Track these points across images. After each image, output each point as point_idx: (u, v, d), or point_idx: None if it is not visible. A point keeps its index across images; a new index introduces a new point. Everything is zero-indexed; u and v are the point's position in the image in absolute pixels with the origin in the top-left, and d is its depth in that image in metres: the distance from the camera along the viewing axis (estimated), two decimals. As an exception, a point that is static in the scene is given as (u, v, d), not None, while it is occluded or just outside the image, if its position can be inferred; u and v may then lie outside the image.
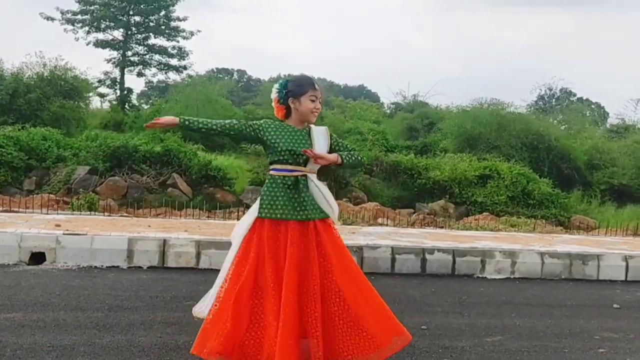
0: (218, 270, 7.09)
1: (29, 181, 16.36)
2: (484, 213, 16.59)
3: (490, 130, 22.47)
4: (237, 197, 17.94)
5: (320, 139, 3.92)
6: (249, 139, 3.97)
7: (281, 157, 3.83)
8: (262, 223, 3.80)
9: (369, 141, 21.57)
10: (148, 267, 7.09)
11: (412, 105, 36.96)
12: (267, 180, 3.90)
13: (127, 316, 5.05)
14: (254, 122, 3.99)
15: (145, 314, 5.14)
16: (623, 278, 8.12)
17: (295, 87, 3.87)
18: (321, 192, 3.84)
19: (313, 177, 3.87)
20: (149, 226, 8.43)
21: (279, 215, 3.77)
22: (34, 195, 14.35)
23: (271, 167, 3.91)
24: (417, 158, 20.12)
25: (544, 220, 15.97)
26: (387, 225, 12.14)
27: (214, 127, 3.92)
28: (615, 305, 6.55)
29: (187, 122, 3.89)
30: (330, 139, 3.99)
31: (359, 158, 4.05)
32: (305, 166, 3.85)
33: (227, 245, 7.21)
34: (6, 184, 15.79)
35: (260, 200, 3.82)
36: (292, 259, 3.68)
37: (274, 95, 3.94)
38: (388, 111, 39.81)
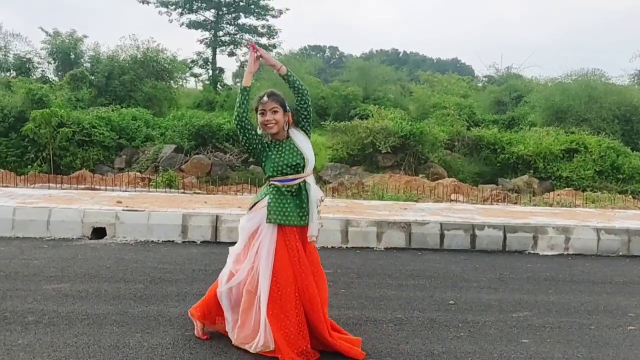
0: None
1: (120, 160, 17.26)
2: (569, 189, 16.09)
3: (580, 102, 21.64)
4: (317, 174, 18.20)
5: (303, 143, 4.08)
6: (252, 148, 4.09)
7: (283, 171, 4.00)
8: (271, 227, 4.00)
9: (451, 116, 21.22)
10: (202, 242, 7.44)
11: (505, 79, 35.99)
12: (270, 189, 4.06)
13: (166, 288, 5.37)
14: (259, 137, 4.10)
15: (182, 287, 5.44)
16: (688, 256, 7.78)
17: (254, 105, 4.06)
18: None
19: (312, 182, 4.09)
20: (206, 202, 8.78)
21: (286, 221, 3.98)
22: (123, 174, 15.15)
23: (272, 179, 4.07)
24: (501, 133, 19.69)
25: (632, 196, 15.30)
26: (456, 201, 12.03)
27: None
28: (666, 284, 6.33)
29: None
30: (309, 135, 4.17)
31: (304, 89, 4.08)
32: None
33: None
34: (99, 163, 16.74)
35: (268, 207, 3.98)
36: (304, 261, 3.98)
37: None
38: (480, 85, 38.93)
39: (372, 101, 30.64)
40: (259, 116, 4.02)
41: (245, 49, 41.73)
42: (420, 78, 37.93)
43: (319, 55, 62.65)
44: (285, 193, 3.99)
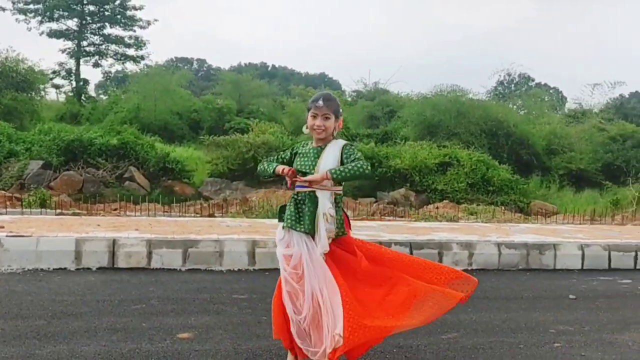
0: (169, 270, 6.95)
1: (-20, 177, 15.91)
2: (445, 201, 16.63)
3: (449, 117, 22.58)
4: (196, 190, 17.72)
5: (329, 155, 3.83)
6: None
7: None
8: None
9: (328, 131, 21.40)
10: (97, 268, 6.87)
11: (373, 93, 37.00)
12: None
13: (71, 323, 4.84)
14: (282, 153, 4.07)
15: (90, 321, 4.94)
16: (579, 267, 8.16)
17: (308, 104, 3.91)
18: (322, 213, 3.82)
19: (322, 195, 3.82)
20: (99, 225, 8.18)
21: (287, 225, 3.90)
22: (-16, 193, 13.93)
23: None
24: (377, 147, 20.10)
25: (503, 207, 16.06)
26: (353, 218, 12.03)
27: None
28: (571, 296, 6.55)
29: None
30: (342, 153, 3.85)
31: (359, 168, 3.75)
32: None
33: (178, 243, 7.08)
34: (-44, 181, 15.35)
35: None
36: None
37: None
38: (349, 99, 39.73)
39: (246, 114, 30.49)
40: (309, 117, 3.82)
41: (111, 60, 40.30)
42: (293, 92, 38.17)
43: (186, 67, 61.48)
44: (299, 199, 3.87)
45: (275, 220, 4.14)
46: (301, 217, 3.82)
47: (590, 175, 22.44)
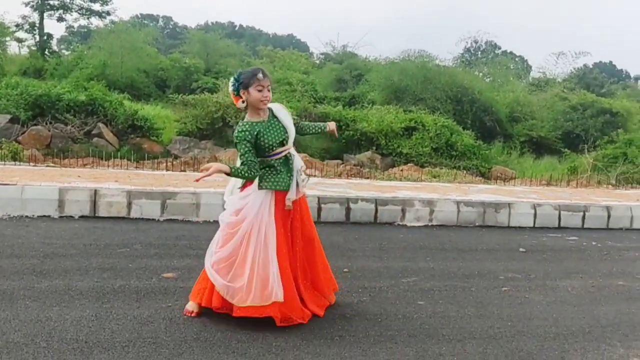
0: (149, 220, 7.33)
1: (-54, 131, 15.89)
2: (409, 164, 17.13)
3: (416, 82, 22.93)
4: (164, 148, 17.91)
5: (285, 116, 4.36)
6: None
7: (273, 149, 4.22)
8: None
9: (297, 92, 21.71)
10: (80, 217, 7.23)
11: (341, 56, 37.11)
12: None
13: (63, 262, 5.24)
14: (248, 143, 4.13)
15: (80, 261, 5.34)
16: (531, 225, 8.76)
17: (244, 79, 4.16)
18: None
19: (296, 155, 4.47)
20: (79, 176, 8.50)
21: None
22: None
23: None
24: (345, 110, 20.41)
25: (465, 172, 16.62)
26: (315, 176, 12.47)
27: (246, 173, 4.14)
28: (521, 249, 7.13)
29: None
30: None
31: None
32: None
33: (157, 195, 7.44)
34: None
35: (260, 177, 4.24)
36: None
37: (230, 89, 4.24)
38: (317, 62, 39.87)
39: (214, 74, 30.47)
40: (254, 92, 4.11)
41: (75, 14, 39.63)
42: (261, 53, 38.17)
43: (152, 24, 60.65)
44: (275, 165, 4.23)
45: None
46: (279, 179, 4.24)
47: (550, 142, 23.09)
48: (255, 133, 4.13)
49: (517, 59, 50.61)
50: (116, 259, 5.47)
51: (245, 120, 4.22)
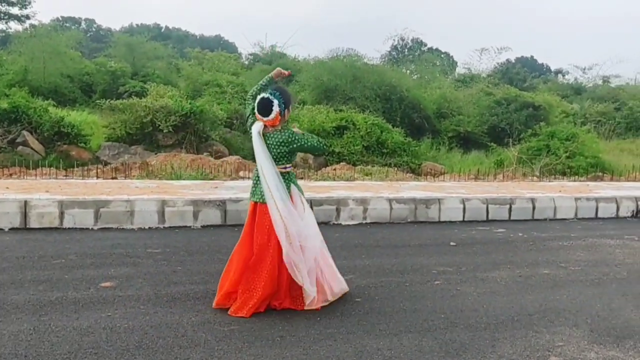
0: (82, 229, 7.23)
1: None
2: (342, 163, 17.35)
3: (346, 82, 23.21)
4: (93, 154, 17.59)
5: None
6: None
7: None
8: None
9: (228, 94, 21.65)
10: (10, 229, 7.10)
11: (270, 57, 37.18)
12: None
13: (-5, 277, 5.15)
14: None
15: (14, 274, 5.26)
16: (461, 219, 9.08)
17: (288, 99, 4.65)
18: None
19: None
20: (7, 188, 8.32)
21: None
22: None
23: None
24: (276, 110, 20.42)
25: (396, 168, 16.95)
26: (248, 178, 12.52)
27: None
28: (452, 243, 7.40)
29: None
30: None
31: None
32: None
33: (90, 204, 7.36)
34: None
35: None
36: None
37: (277, 108, 4.53)
38: (246, 62, 39.77)
39: (141, 77, 30.02)
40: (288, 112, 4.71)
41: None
42: (189, 55, 37.76)
43: (74, 27, 59.17)
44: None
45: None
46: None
47: (477, 137, 23.71)
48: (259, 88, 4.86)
49: (442, 56, 51.67)
50: (51, 270, 5.41)
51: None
